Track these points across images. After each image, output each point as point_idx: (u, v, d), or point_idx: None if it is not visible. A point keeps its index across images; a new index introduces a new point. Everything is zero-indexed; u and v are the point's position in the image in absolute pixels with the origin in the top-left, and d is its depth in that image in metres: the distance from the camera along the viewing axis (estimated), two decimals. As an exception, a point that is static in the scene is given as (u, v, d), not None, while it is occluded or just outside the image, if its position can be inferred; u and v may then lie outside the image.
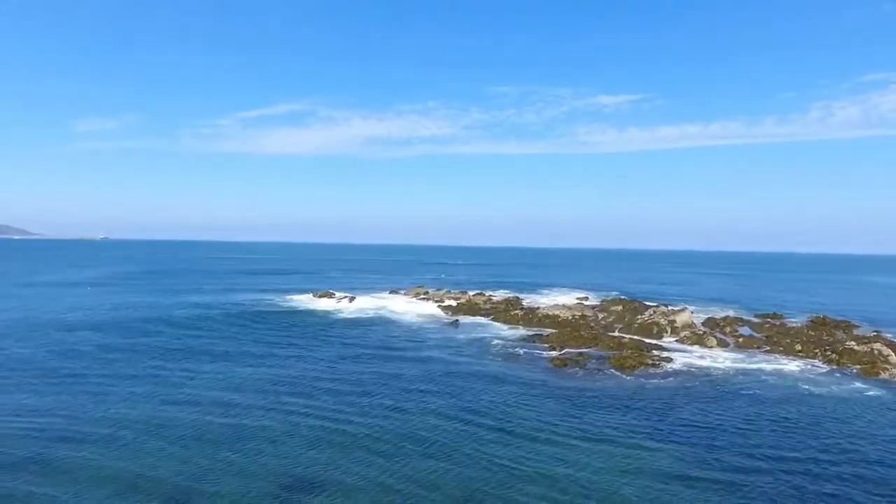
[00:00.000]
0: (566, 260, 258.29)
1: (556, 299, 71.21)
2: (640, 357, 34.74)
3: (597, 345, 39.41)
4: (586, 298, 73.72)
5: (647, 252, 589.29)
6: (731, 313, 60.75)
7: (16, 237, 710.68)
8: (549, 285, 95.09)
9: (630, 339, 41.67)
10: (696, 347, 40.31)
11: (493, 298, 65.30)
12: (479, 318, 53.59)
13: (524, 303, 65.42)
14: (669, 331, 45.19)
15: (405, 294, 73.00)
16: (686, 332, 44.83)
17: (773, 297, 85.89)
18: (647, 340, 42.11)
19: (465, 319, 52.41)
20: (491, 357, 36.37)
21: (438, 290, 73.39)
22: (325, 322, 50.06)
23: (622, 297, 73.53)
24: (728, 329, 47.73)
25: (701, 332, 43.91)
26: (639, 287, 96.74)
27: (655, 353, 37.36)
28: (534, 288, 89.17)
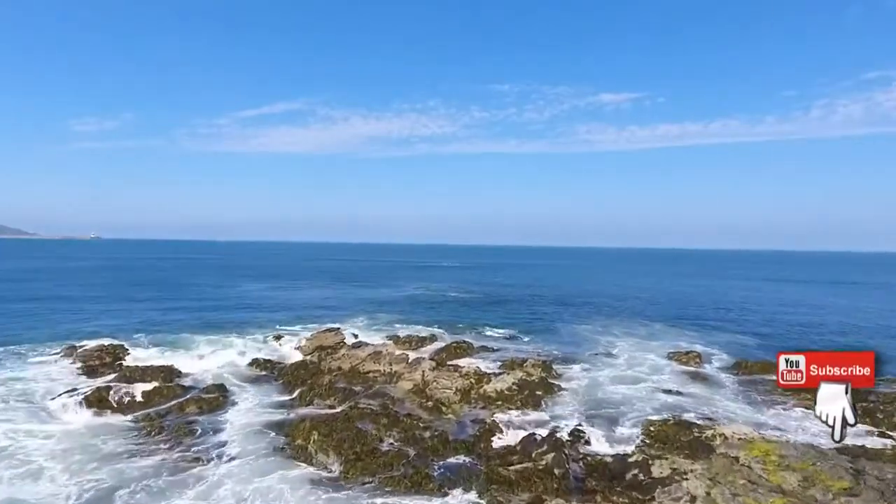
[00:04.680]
0: (580, 260, 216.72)
1: (639, 367, 30.26)
2: None
3: None
4: (696, 357, 32.76)
5: (651, 252, 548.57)
6: None
7: None
8: (600, 321, 53.24)
9: None
10: None
11: (495, 387, 24.33)
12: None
13: (566, 382, 24.58)
14: None
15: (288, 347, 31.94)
16: None
17: None
18: None
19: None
20: None
21: (353, 346, 32.09)
22: None
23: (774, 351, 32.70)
24: None
25: None
26: (748, 315, 55.35)
27: None
28: (567, 324, 47.31)
